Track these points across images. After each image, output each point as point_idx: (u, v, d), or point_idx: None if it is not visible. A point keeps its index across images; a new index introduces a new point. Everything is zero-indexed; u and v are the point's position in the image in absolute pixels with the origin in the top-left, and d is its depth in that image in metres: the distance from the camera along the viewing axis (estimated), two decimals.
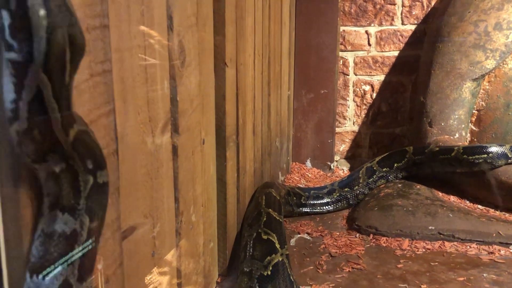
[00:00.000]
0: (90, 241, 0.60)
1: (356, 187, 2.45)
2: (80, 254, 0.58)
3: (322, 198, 2.40)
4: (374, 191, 2.41)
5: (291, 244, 1.98)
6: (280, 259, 1.44)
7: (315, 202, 2.38)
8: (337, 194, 2.43)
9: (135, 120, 0.92)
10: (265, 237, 1.57)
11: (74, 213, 0.58)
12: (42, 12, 0.50)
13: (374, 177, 2.48)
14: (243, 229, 1.71)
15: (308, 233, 2.09)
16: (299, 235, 2.07)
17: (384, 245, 1.96)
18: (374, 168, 2.50)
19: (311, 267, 1.75)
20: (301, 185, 2.88)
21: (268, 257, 1.44)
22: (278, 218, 1.74)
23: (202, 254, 1.44)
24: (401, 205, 2.15)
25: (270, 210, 1.75)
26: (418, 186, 2.34)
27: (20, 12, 0.49)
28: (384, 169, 2.50)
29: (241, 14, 1.66)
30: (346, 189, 2.45)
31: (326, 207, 2.40)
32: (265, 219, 1.68)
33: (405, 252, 1.89)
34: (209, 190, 1.50)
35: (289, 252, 1.88)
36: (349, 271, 1.72)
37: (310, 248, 1.94)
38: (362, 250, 1.91)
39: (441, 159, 2.34)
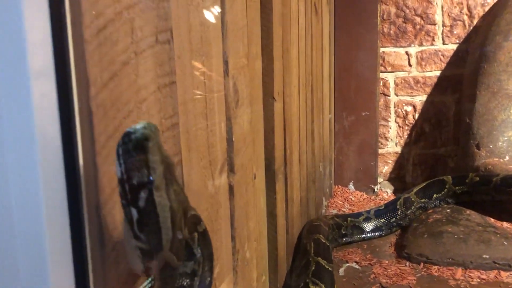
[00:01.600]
0: (205, 273, 0.73)
1: (394, 219, 2.42)
2: (198, 283, 0.70)
3: (358, 227, 2.37)
4: (422, 216, 2.36)
5: (340, 274, 1.96)
6: None
7: (353, 231, 2.34)
8: (373, 224, 2.39)
9: (198, 166, 0.95)
10: (312, 287, 1.54)
11: (192, 259, 0.69)
12: (167, 206, 0.54)
13: (412, 208, 2.44)
14: (291, 280, 1.68)
15: (356, 262, 2.07)
16: (347, 264, 2.05)
17: (436, 274, 1.91)
18: (412, 199, 2.46)
19: None
20: (344, 210, 2.85)
21: None
22: (327, 267, 1.70)
23: None
24: (452, 232, 2.10)
25: (319, 258, 1.72)
26: (467, 212, 2.28)
27: (147, 209, 0.53)
28: (423, 200, 2.45)
29: (287, 47, 1.69)
30: (382, 220, 2.41)
31: (362, 235, 2.37)
32: (313, 268, 1.65)
33: (459, 282, 1.83)
34: (260, 224, 1.51)
35: (338, 283, 1.87)
36: None
37: (359, 278, 1.92)
38: (414, 280, 1.87)
39: (482, 189, 2.31)
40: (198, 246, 0.74)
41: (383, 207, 2.50)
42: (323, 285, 1.55)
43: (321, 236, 1.93)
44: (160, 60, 0.77)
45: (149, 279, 0.75)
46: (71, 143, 0.56)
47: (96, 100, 0.60)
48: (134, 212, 0.54)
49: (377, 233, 2.39)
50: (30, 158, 0.51)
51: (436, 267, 1.96)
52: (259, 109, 1.45)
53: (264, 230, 1.56)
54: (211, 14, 1.02)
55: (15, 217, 0.52)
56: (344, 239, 2.30)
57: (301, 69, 1.98)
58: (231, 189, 1.18)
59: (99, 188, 0.62)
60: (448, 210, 2.33)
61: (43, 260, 0.53)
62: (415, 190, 2.51)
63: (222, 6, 1.08)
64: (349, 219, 2.37)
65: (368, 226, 2.38)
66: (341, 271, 1.99)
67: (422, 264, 2.00)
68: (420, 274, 1.92)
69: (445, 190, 2.44)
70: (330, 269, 1.71)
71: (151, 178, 0.53)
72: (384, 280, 1.87)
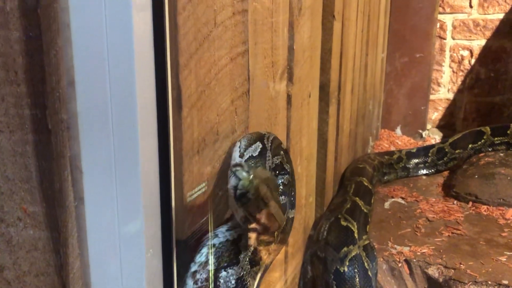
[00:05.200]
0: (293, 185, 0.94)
1: (422, 165, 2.38)
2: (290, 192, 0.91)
3: (393, 166, 2.33)
4: (473, 159, 2.30)
5: (385, 207, 1.96)
6: (358, 252, 1.35)
7: (389, 170, 2.31)
8: (402, 165, 2.35)
9: (263, 63, 0.95)
10: (344, 223, 1.48)
11: (287, 173, 0.91)
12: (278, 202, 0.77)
13: (445, 159, 2.39)
14: (323, 215, 1.63)
15: (402, 198, 2.05)
16: (393, 199, 2.04)
17: (485, 213, 1.88)
18: (446, 150, 2.39)
19: (409, 230, 1.73)
20: None
21: (345, 248, 1.36)
22: (363, 208, 1.64)
23: (304, 206, 1.46)
24: (505, 174, 2.04)
25: (357, 198, 1.68)
26: None
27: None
28: (457, 151, 2.38)
29: None
30: (411, 162, 2.37)
31: (396, 173, 2.35)
32: (348, 206, 1.61)
33: (509, 221, 1.79)
34: (311, 144, 1.51)
35: (383, 215, 1.87)
36: (448, 235, 1.68)
37: (405, 212, 1.91)
38: (461, 216, 1.85)
39: None
40: (286, 162, 0.89)
41: (415, 150, 2.46)
42: (355, 223, 1.49)
43: (364, 179, 1.89)
44: None
45: (204, 183, 0.77)
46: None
47: None
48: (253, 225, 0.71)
49: (404, 173, 2.36)
50: (125, 7, 0.51)
51: (485, 206, 1.92)
52: (318, 26, 1.41)
53: (314, 152, 1.56)
54: None
55: (107, 60, 0.53)
56: (385, 177, 2.28)
57: None
58: (289, 98, 1.18)
59: (179, 50, 0.62)
60: (502, 154, 2.26)
61: (132, 105, 0.54)
62: (450, 140, 2.44)
63: None
64: (386, 156, 2.34)
65: (400, 165, 2.35)
66: (387, 204, 1.99)
67: (470, 203, 1.96)
68: (468, 212, 1.89)
69: (482, 140, 2.37)
70: (365, 210, 1.65)
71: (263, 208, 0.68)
72: (430, 215, 1.86)
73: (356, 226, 1.47)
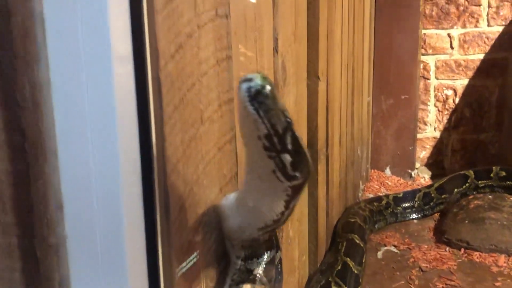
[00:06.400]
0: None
1: (409, 210, 2.41)
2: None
3: (382, 212, 2.33)
4: (463, 202, 2.31)
5: (378, 257, 1.95)
6: None
7: (380, 217, 2.31)
8: (390, 211, 2.36)
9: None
10: None
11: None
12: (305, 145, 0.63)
13: (431, 204, 2.43)
14: (315, 275, 1.62)
15: (394, 246, 2.05)
16: (385, 248, 2.04)
17: (478, 260, 1.88)
18: (432, 195, 2.44)
19: (402, 282, 1.72)
20: (380, 194, 2.82)
21: None
22: (354, 269, 1.64)
23: (297, 267, 1.46)
24: (495, 218, 2.05)
25: (348, 259, 1.67)
26: (511, 198, 2.22)
27: (296, 146, 0.61)
28: (443, 196, 2.43)
29: (331, 28, 1.66)
30: (398, 208, 2.39)
31: (383, 222, 2.35)
32: (339, 267, 1.60)
33: (502, 269, 1.80)
34: (302, 204, 1.51)
35: (377, 266, 1.86)
36: (442, 287, 1.67)
37: (398, 261, 1.90)
38: (454, 265, 1.84)
39: (507, 184, 2.34)
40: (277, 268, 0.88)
41: (401, 195, 2.48)
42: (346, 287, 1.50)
43: (355, 236, 1.86)
44: (219, 34, 0.77)
45: (195, 253, 0.77)
46: (145, 115, 0.57)
47: (165, 71, 0.61)
48: (286, 157, 0.60)
49: (393, 219, 2.37)
50: (110, 130, 0.52)
51: (477, 253, 1.92)
52: (303, 88, 1.44)
53: (305, 211, 1.56)
54: None
55: (94, 182, 0.53)
56: (376, 226, 2.27)
57: (343, 50, 1.95)
58: None
59: (166, 158, 0.63)
60: (490, 197, 2.28)
61: (119, 224, 0.54)
62: (436, 185, 2.49)
63: None
64: (375, 203, 2.34)
65: (388, 211, 2.36)
66: (379, 254, 1.98)
67: (462, 249, 1.97)
68: (460, 260, 1.89)
69: (467, 184, 2.42)
70: (356, 271, 1.65)
71: (288, 119, 0.60)
72: (423, 264, 1.85)
73: None
